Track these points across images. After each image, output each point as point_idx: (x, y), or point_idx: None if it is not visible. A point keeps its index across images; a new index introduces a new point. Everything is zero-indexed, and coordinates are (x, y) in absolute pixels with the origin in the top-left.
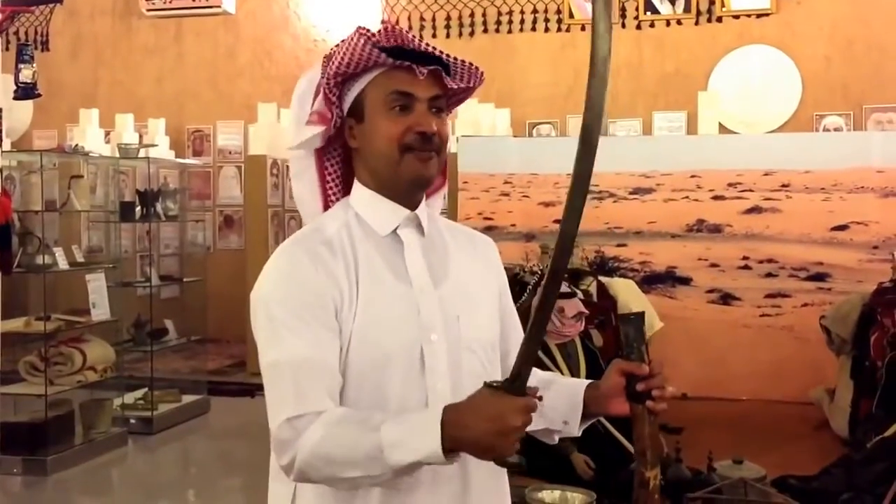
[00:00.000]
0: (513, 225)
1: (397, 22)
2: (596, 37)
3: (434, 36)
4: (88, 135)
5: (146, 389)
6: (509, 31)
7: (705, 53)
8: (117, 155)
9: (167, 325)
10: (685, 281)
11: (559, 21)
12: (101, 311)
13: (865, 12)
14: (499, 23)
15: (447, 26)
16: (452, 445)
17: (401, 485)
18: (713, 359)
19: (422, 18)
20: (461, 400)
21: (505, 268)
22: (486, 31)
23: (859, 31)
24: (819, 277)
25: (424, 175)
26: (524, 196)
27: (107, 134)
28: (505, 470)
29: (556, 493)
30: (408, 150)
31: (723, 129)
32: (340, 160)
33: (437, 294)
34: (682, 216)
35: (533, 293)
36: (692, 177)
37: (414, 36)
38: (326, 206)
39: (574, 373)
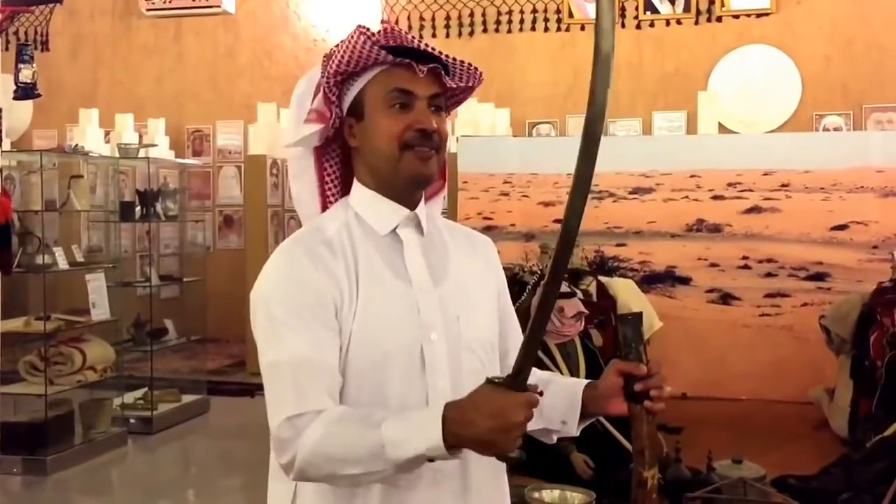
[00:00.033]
0: (512, 225)
1: (397, 22)
2: (599, 33)
3: (434, 36)
4: (88, 135)
5: (146, 389)
6: (509, 31)
7: (705, 53)
8: (117, 155)
9: (167, 324)
10: (685, 281)
11: (559, 21)
12: (100, 310)
13: (865, 12)
14: (498, 22)
15: (447, 26)
16: (454, 442)
17: (401, 483)
18: (713, 358)
19: (421, 18)
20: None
21: (504, 268)
22: (485, 30)
23: (859, 31)
24: (818, 277)
25: (424, 173)
26: (524, 196)
27: (107, 134)
28: (505, 468)
29: (556, 493)
30: (408, 147)
31: (722, 128)
32: (339, 161)
33: (437, 293)
34: (682, 216)
35: (532, 293)
36: (692, 176)
37: (413, 37)
38: (325, 207)
39: (573, 372)
